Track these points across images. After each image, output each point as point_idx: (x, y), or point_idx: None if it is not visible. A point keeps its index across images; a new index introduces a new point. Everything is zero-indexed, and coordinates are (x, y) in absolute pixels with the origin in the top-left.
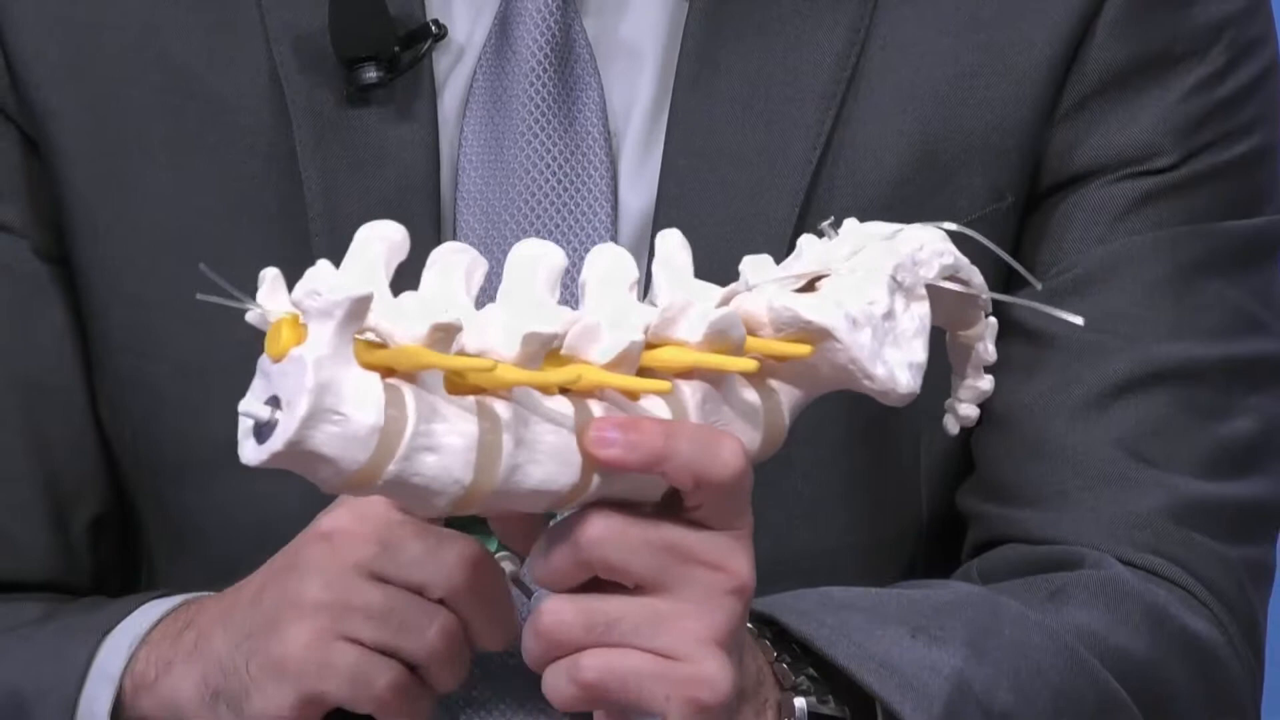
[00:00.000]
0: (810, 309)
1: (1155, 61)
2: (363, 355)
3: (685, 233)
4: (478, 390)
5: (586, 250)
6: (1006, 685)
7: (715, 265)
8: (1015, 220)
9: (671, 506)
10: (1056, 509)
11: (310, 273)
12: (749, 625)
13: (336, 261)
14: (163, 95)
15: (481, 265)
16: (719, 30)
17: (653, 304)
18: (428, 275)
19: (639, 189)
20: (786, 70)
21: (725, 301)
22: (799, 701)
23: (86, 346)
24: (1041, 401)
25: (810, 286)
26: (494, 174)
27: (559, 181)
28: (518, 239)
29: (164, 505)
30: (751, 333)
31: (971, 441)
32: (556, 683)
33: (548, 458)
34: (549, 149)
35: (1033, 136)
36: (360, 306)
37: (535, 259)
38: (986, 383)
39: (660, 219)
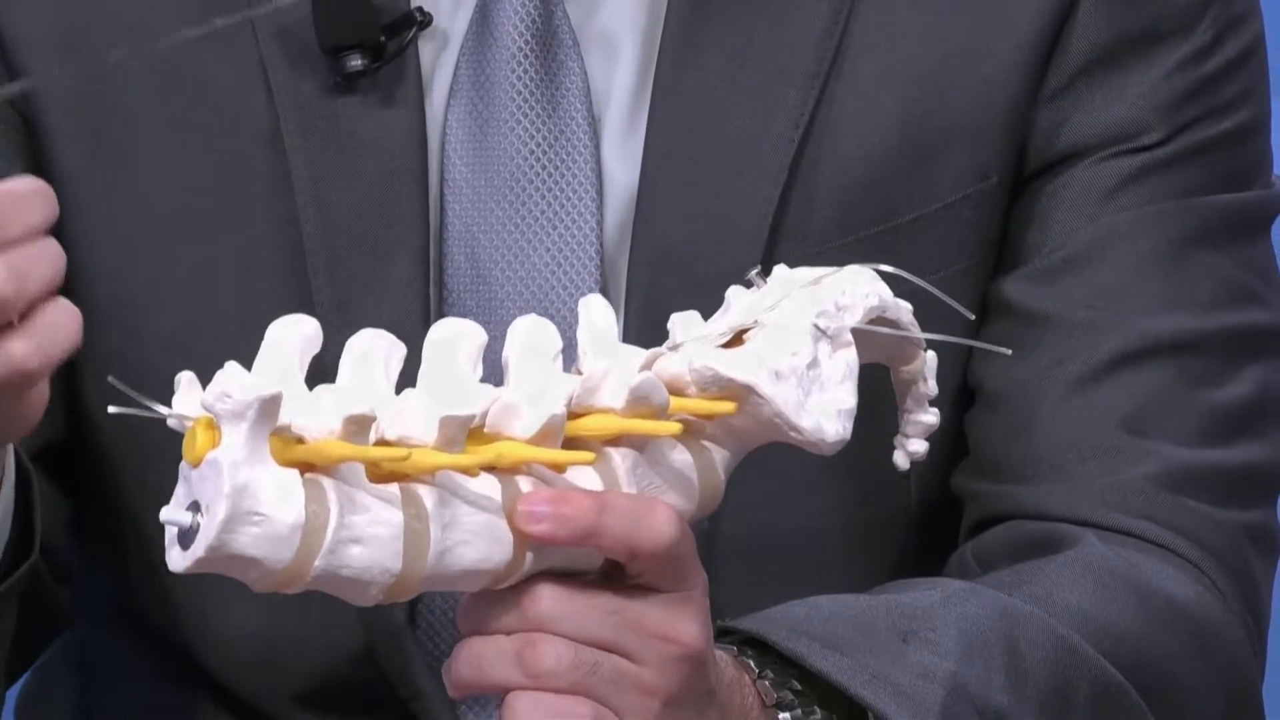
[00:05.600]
0: (730, 366)
1: (1140, 39)
2: (280, 452)
3: (669, 211)
4: (401, 477)
5: (573, 236)
6: (999, 685)
7: (698, 244)
8: (1001, 200)
9: (617, 572)
10: (1049, 482)
11: (220, 375)
12: (730, 645)
13: (333, 246)
14: (151, 75)
15: (400, 349)
16: (702, 8)
17: (579, 372)
18: (344, 364)
19: (623, 171)
20: (770, 48)
21: (649, 364)
22: (784, 716)
23: None
24: (1035, 379)
25: (738, 340)
26: (479, 161)
27: (544, 167)
28: (504, 226)
29: (148, 486)
30: (677, 393)
31: (965, 422)
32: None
33: (478, 538)
34: (533, 134)
35: (1017, 116)
36: (271, 406)
37: (453, 339)
38: (931, 416)
39: (644, 197)
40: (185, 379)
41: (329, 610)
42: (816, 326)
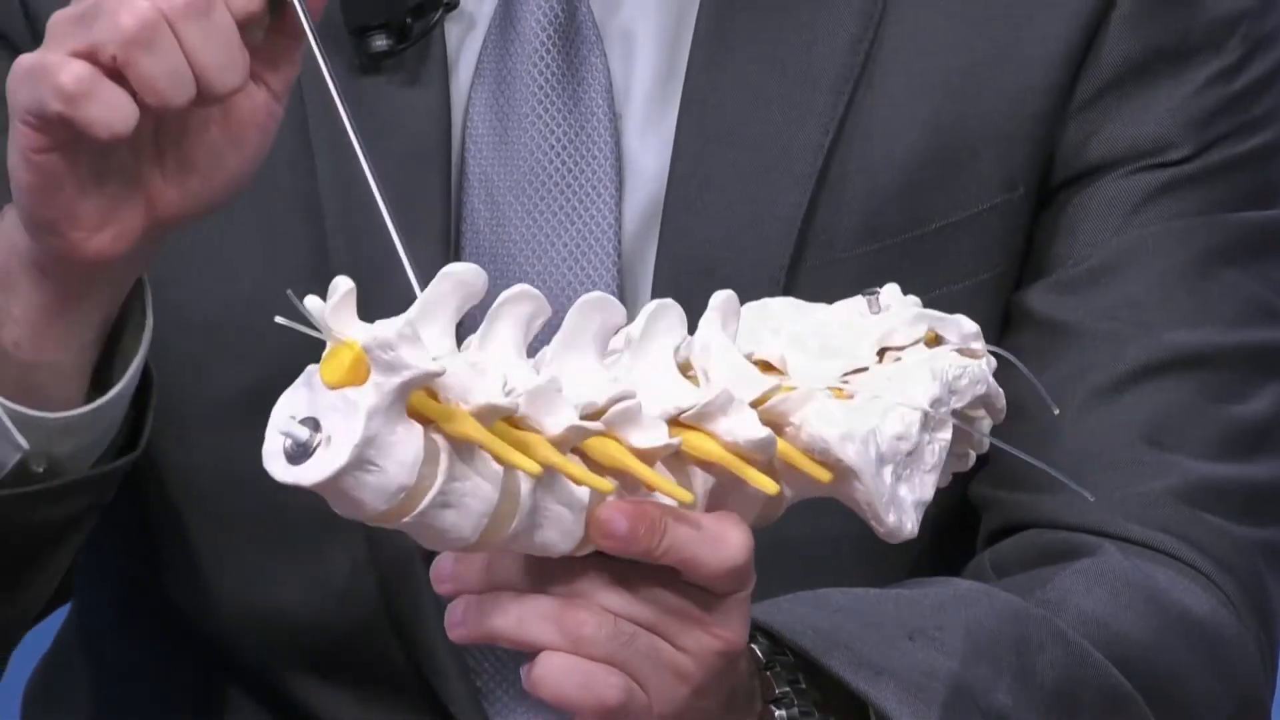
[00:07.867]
0: (842, 445)
1: (1170, 54)
2: (415, 403)
3: (697, 214)
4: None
5: (590, 232)
6: (1004, 687)
7: (724, 248)
8: (1027, 211)
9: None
10: (1068, 492)
11: (389, 326)
12: None
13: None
14: None
15: (545, 310)
16: (733, 14)
17: (689, 365)
18: (490, 320)
19: (643, 168)
20: (800, 55)
21: (765, 399)
22: (779, 714)
23: None
24: (1056, 389)
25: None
26: (499, 153)
27: (563, 162)
28: (522, 220)
29: (166, 458)
30: (780, 427)
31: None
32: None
33: (553, 527)
34: (553, 129)
35: (1045, 127)
36: (428, 379)
37: (594, 315)
38: (964, 463)
39: (671, 200)
40: (343, 286)
41: (350, 581)
42: (928, 413)
